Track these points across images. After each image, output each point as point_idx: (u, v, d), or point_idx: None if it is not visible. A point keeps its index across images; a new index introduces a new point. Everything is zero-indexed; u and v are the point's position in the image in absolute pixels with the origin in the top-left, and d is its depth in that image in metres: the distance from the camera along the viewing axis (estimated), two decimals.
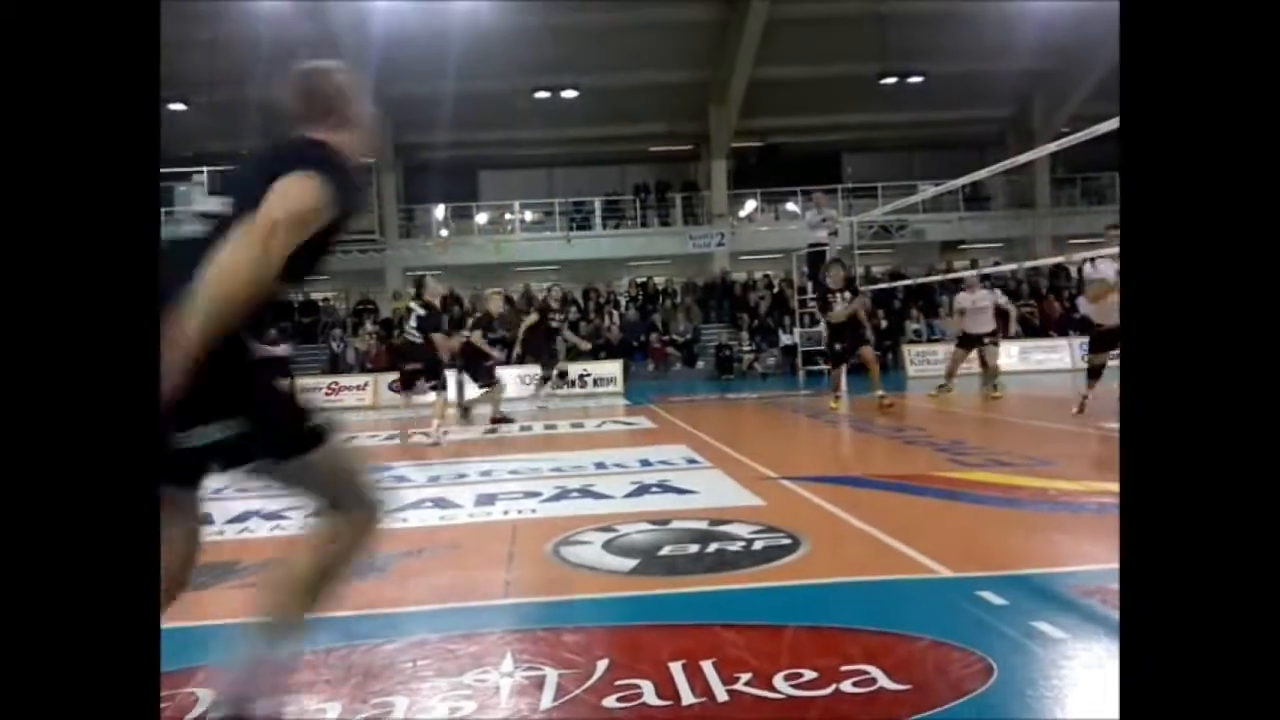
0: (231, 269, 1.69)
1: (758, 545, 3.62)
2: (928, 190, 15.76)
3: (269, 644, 1.85)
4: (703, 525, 4.03)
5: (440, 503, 4.98)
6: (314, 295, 20.64)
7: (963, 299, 10.88)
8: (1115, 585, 2.85)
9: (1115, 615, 2.60)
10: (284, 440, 1.86)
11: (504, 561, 3.63)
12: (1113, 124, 6.69)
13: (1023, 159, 8.89)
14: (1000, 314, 10.90)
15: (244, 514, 4.85)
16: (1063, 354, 16.76)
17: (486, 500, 4.99)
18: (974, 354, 10.63)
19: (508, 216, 23.51)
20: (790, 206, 23.46)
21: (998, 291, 11.86)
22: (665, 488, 5.13)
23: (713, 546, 3.64)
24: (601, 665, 2.33)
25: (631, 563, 3.45)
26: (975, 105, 21.95)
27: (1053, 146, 7.77)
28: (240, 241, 1.72)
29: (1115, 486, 4.53)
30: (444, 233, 23.25)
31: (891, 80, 20.64)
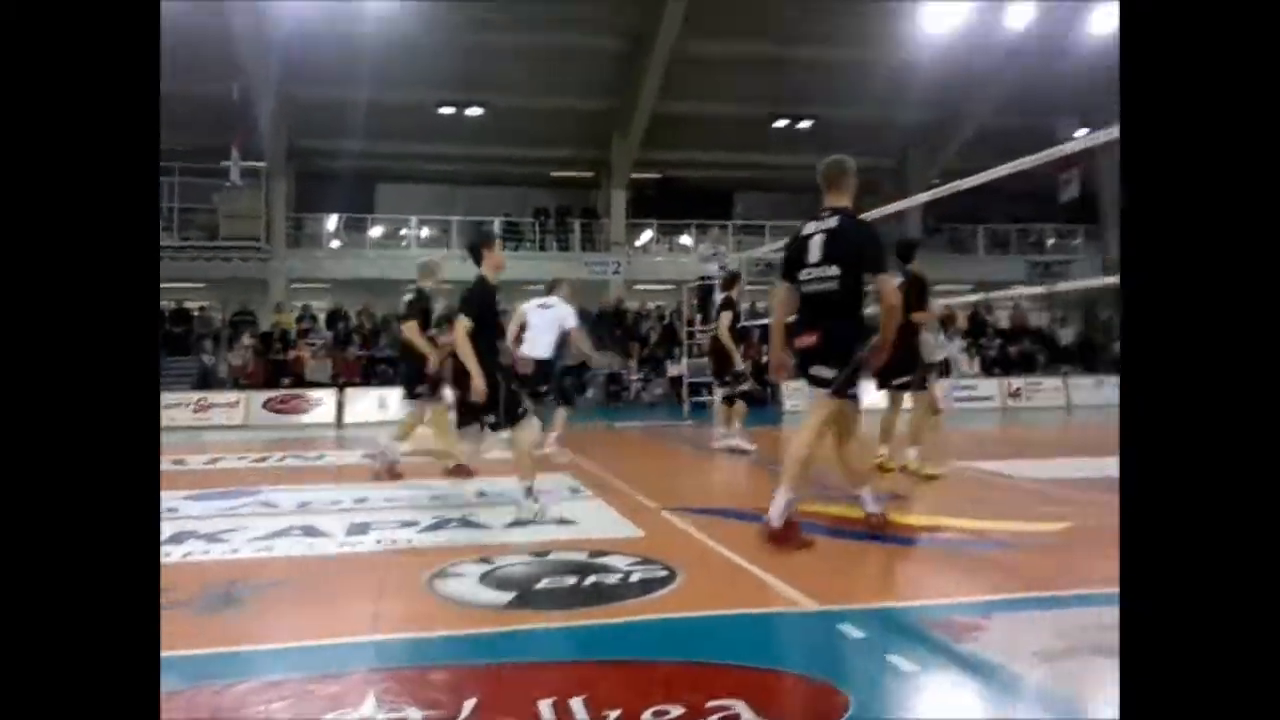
0: None
1: (635, 577, 3.66)
2: None
3: None
4: (582, 557, 4.04)
5: (309, 531, 4.80)
6: (187, 304, 19.60)
7: None
8: (960, 618, 3.04)
9: (959, 648, 2.76)
10: None
11: (374, 594, 3.53)
12: (976, 179, 7.16)
13: (896, 206, 9.39)
14: None
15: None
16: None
17: (359, 529, 4.84)
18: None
19: (403, 231, 23.05)
20: (684, 239, 23.93)
21: None
22: (545, 518, 5.11)
23: (591, 579, 3.65)
24: (469, 705, 2.31)
25: (508, 596, 3.43)
26: (858, 152, 22.74)
27: (925, 196, 8.24)
28: None
29: (959, 522, 4.83)
30: (335, 244, 22.56)
31: (783, 123, 21.48)
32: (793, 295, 4.42)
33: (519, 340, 7.41)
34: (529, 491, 5.03)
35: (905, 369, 7.00)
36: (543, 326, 7.58)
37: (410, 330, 6.88)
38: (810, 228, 4.39)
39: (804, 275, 4.33)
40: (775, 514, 4.16)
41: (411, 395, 7.04)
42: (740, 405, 8.90)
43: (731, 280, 9.24)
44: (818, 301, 4.30)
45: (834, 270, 4.21)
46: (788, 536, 4.14)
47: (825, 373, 4.23)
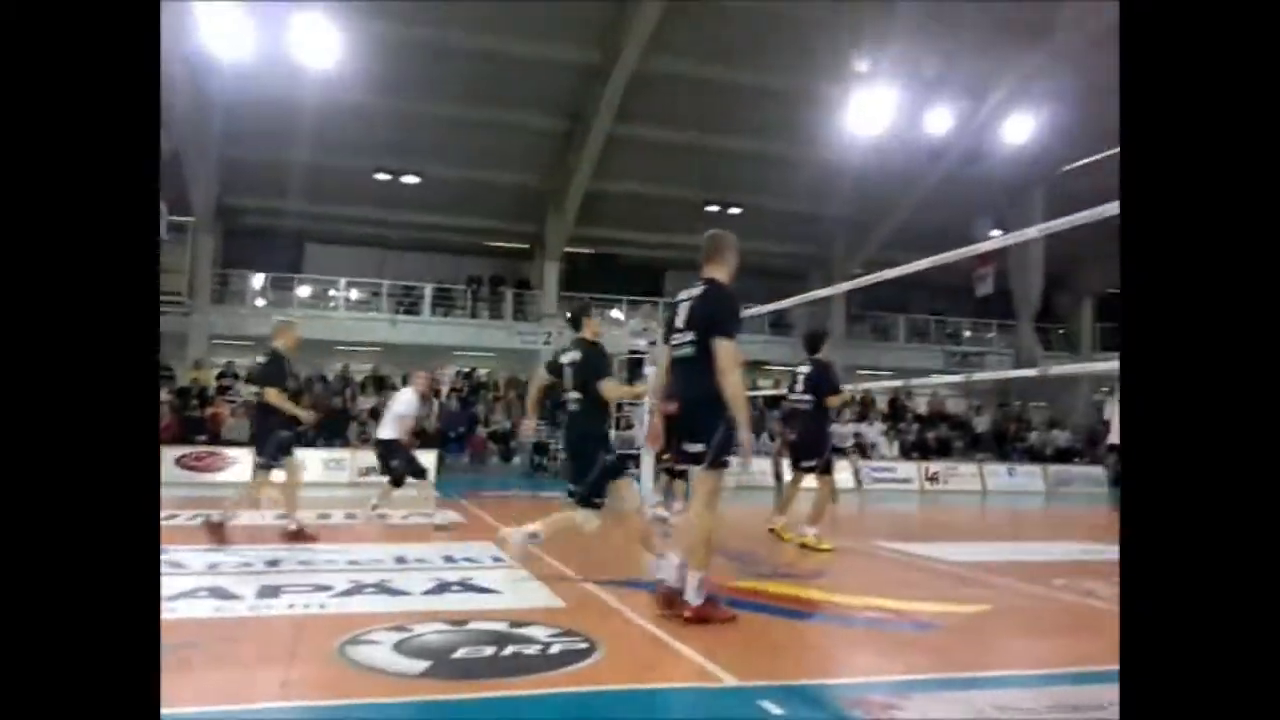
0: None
1: (554, 649, 3.61)
2: None
3: None
4: (501, 627, 3.97)
5: (217, 592, 4.61)
6: None
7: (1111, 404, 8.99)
8: (878, 697, 3.09)
9: None
10: None
11: (284, 660, 3.40)
12: (897, 271, 7.52)
13: (821, 293, 9.77)
14: None
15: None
16: (846, 474, 18.00)
17: (270, 592, 4.67)
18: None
19: (332, 293, 22.75)
20: (615, 313, 24.23)
21: None
22: (467, 586, 5.02)
23: (509, 649, 3.60)
24: None
25: (423, 665, 3.35)
26: (785, 240, 23.97)
27: (847, 286, 8.62)
28: None
29: (878, 601, 4.92)
30: (260, 302, 22.10)
31: (714, 208, 22.22)
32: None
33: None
34: (532, 536, 5.12)
35: (816, 451, 7.33)
36: (387, 412, 8.71)
37: (274, 396, 6.79)
38: (682, 295, 4.51)
39: (673, 340, 4.40)
40: (691, 593, 4.15)
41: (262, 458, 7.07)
42: (680, 482, 9.11)
43: None
44: (680, 367, 4.32)
45: (691, 335, 4.23)
46: (707, 613, 4.15)
47: (695, 448, 4.18)
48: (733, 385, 4.07)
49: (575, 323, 5.56)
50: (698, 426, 4.16)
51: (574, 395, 5.32)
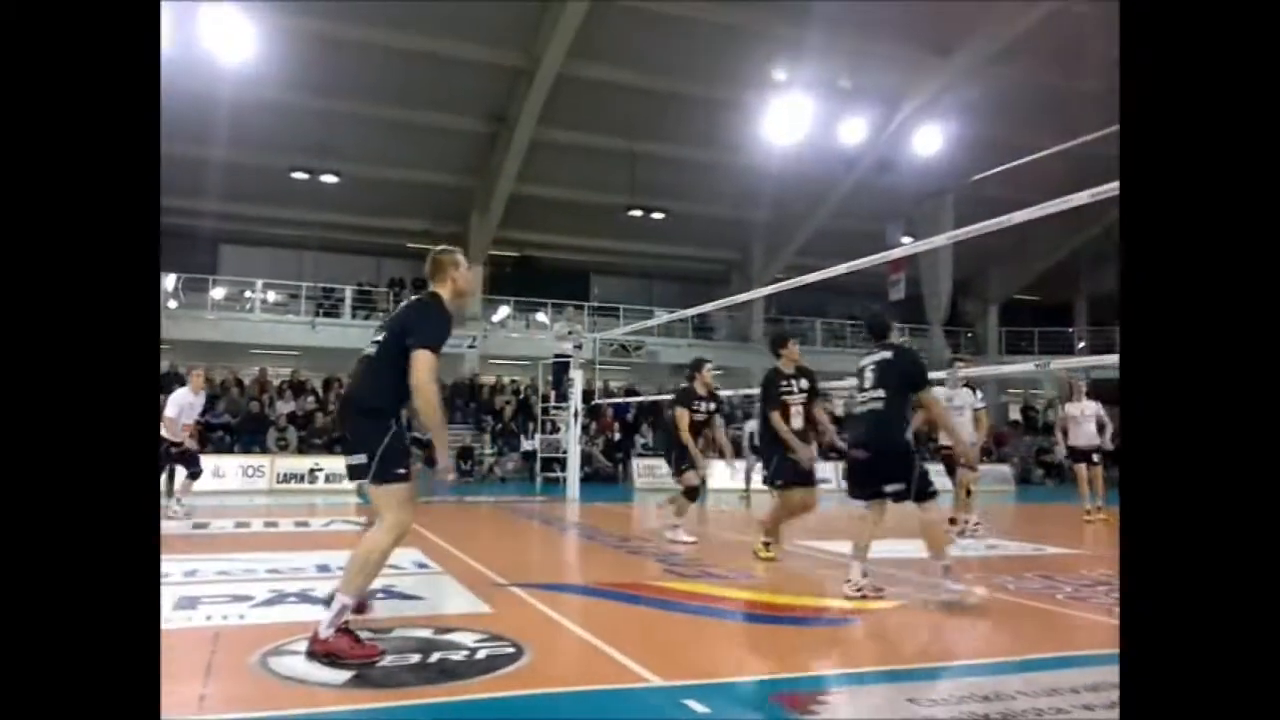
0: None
1: (481, 654, 3.63)
2: (662, 316, 17.04)
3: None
4: (427, 634, 3.96)
5: None
6: None
7: (1070, 408, 10.26)
8: (801, 691, 3.20)
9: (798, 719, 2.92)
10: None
11: (201, 673, 3.33)
12: (815, 276, 7.73)
13: (742, 298, 9.97)
14: (1101, 427, 10.07)
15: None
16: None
17: (187, 604, 4.54)
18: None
19: (248, 294, 22.06)
20: (540, 317, 24.18)
21: (1099, 403, 10.35)
22: (390, 593, 4.96)
23: (435, 656, 3.59)
24: None
25: (346, 675, 3.32)
26: (707, 245, 24.37)
27: (766, 290, 8.85)
28: None
29: (808, 600, 5.07)
30: (173, 304, 21.28)
31: (638, 213, 22.43)
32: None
33: None
34: (947, 570, 5.19)
35: (764, 462, 7.32)
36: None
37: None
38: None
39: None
40: (326, 621, 3.54)
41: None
42: (680, 498, 8.02)
43: (698, 366, 8.12)
44: (358, 370, 3.92)
45: (379, 337, 3.82)
46: (340, 647, 3.49)
47: (357, 460, 3.66)
48: (427, 401, 3.61)
49: (880, 333, 5.53)
50: (357, 435, 3.72)
51: (876, 394, 5.29)
